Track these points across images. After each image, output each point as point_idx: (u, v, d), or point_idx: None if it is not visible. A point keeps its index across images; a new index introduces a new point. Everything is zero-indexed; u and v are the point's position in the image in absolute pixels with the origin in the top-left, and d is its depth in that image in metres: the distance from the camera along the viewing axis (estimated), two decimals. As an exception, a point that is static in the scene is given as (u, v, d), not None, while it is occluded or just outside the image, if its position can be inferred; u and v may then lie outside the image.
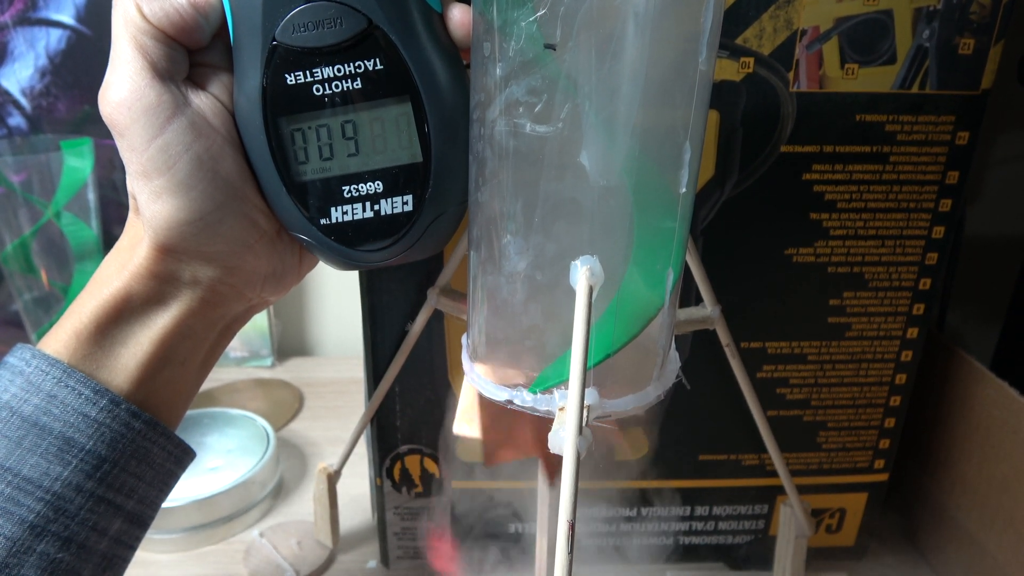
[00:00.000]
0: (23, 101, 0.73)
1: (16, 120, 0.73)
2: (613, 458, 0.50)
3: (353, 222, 0.30)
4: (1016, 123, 0.69)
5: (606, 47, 0.24)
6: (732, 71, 0.40)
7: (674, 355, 0.30)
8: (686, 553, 0.54)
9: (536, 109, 0.25)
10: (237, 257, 0.30)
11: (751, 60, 0.40)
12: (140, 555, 0.35)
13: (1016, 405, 0.46)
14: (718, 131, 0.41)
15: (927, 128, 0.42)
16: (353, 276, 0.44)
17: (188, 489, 0.55)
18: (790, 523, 0.47)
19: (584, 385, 0.25)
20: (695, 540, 0.53)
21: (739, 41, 0.39)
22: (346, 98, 0.29)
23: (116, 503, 0.30)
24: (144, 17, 0.27)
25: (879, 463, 0.51)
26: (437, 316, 0.44)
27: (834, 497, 0.52)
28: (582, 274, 0.25)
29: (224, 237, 0.30)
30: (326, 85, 0.28)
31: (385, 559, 0.54)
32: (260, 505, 0.59)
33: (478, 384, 0.30)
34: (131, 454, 0.30)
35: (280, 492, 0.62)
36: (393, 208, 0.30)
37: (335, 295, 0.85)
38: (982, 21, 0.39)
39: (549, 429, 0.25)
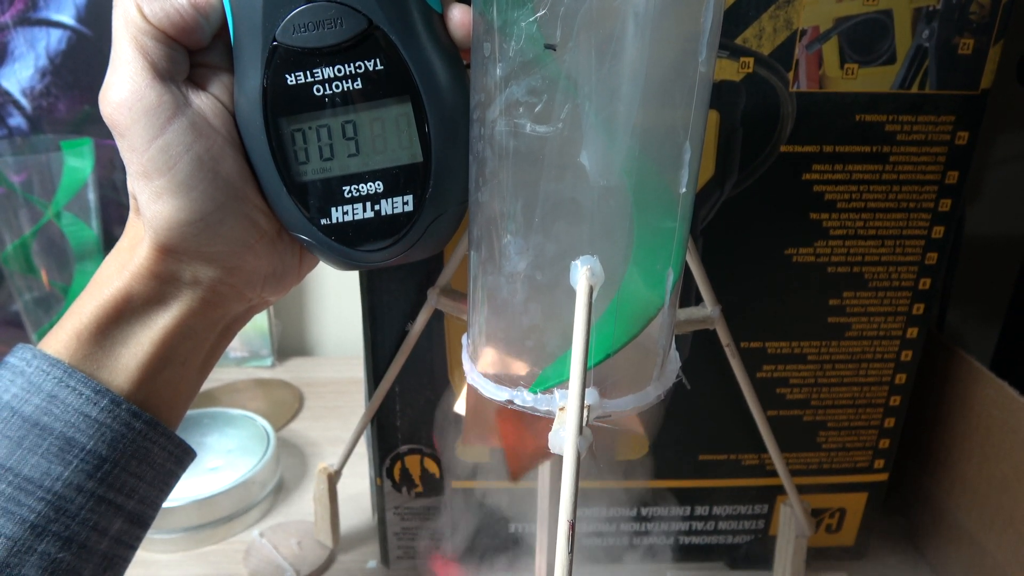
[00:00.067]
0: (23, 101, 0.73)
1: (16, 120, 0.73)
2: (613, 458, 0.50)
3: (353, 222, 0.30)
4: (1016, 123, 0.69)
5: (606, 47, 0.24)
6: (732, 71, 0.40)
7: (674, 355, 0.30)
8: (686, 553, 0.54)
9: (536, 109, 0.25)
10: (237, 257, 0.30)
11: (751, 60, 0.40)
12: (140, 555, 0.35)
13: (1016, 405, 0.46)
14: (718, 131, 0.41)
15: (927, 128, 0.42)
16: (353, 276, 0.44)
17: (188, 489, 0.55)
18: (790, 523, 0.47)
19: (584, 385, 0.25)
20: (695, 540, 0.53)
21: (739, 41, 0.39)
22: (346, 98, 0.29)
23: (117, 503, 0.30)
24: (145, 17, 0.27)
25: (879, 463, 0.51)
26: (437, 316, 0.44)
27: (834, 497, 0.52)
28: (582, 274, 0.25)
29: (224, 237, 0.30)
30: (326, 85, 0.28)
31: (385, 559, 0.54)
32: (260, 505, 0.59)
33: (478, 384, 0.30)
34: (132, 454, 0.30)
35: (280, 492, 0.62)
36: (393, 208, 0.30)
37: (335, 295, 0.85)
38: (982, 21, 0.39)
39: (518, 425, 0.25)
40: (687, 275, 0.39)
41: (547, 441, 0.25)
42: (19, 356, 0.29)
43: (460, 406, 0.46)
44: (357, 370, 0.69)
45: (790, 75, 0.40)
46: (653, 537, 0.53)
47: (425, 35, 0.29)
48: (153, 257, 0.29)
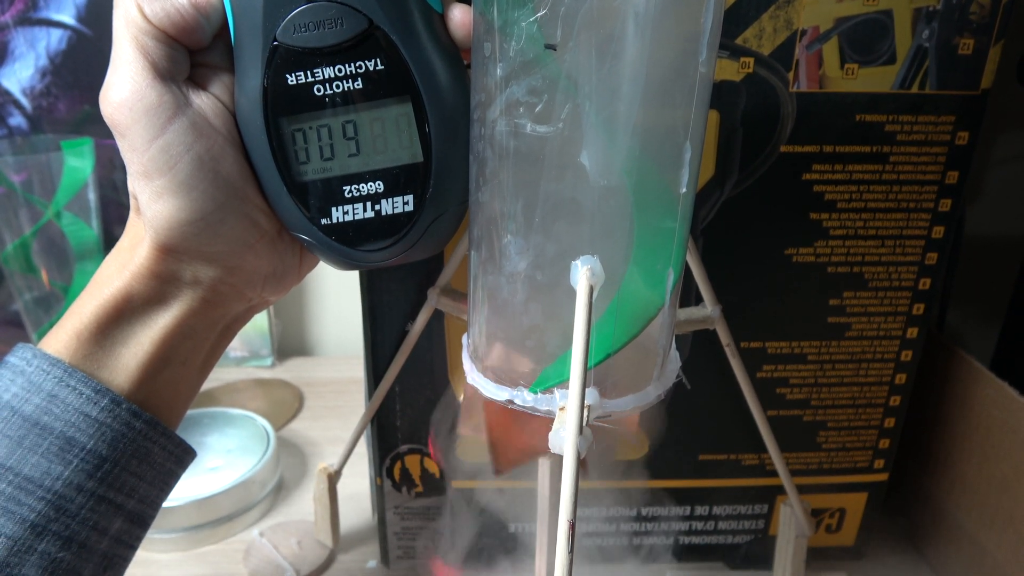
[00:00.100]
0: (24, 101, 0.73)
1: (17, 120, 0.73)
2: (613, 458, 0.50)
3: (354, 222, 0.30)
4: (1016, 123, 0.69)
5: (606, 47, 0.24)
6: (732, 71, 0.40)
7: (674, 355, 0.30)
8: (686, 553, 0.54)
9: (536, 109, 0.25)
10: (238, 257, 0.30)
11: (751, 60, 0.40)
12: (140, 554, 0.35)
13: (1016, 405, 0.46)
14: (718, 131, 0.41)
15: (927, 128, 0.42)
16: (353, 276, 0.44)
17: (188, 489, 0.55)
18: (790, 523, 0.48)
19: (584, 385, 0.25)
20: (695, 540, 0.53)
21: (739, 41, 0.39)
22: (347, 98, 0.29)
23: (117, 502, 0.30)
24: (145, 17, 0.27)
25: (879, 463, 0.51)
26: (437, 316, 0.44)
27: (834, 497, 0.52)
28: (582, 274, 0.25)
29: (225, 237, 0.30)
30: (327, 85, 0.28)
31: (385, 559, 0.54)
32: (260, 505, 0.59)
33: (479, 384, 0.30)
34: (132, 454, 0.30)
35: (280, 492, 0.62)
36: (394, 208, 0.30)
37: (335, 295, 0.85)
38: (982, 21, 0.39)
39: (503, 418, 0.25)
40: (687, 275, 0.39)
41: (536, 439, 0.25)
42: (19, 355, 0.29)
43: (464, 426, 0.46)
44: (357, 370, 0.69)
45: (790, 75, 0.40)
46: (653, 537, 0.53)
47: (425, 35, 0.29)
48: (153, 257, 0.29)
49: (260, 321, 0.80)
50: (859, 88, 0.41)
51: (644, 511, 0.52)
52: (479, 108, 0.27)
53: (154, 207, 0.28)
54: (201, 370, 0.33)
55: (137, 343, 0.30)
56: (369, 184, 0.30)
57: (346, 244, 0.31)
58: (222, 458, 0.59)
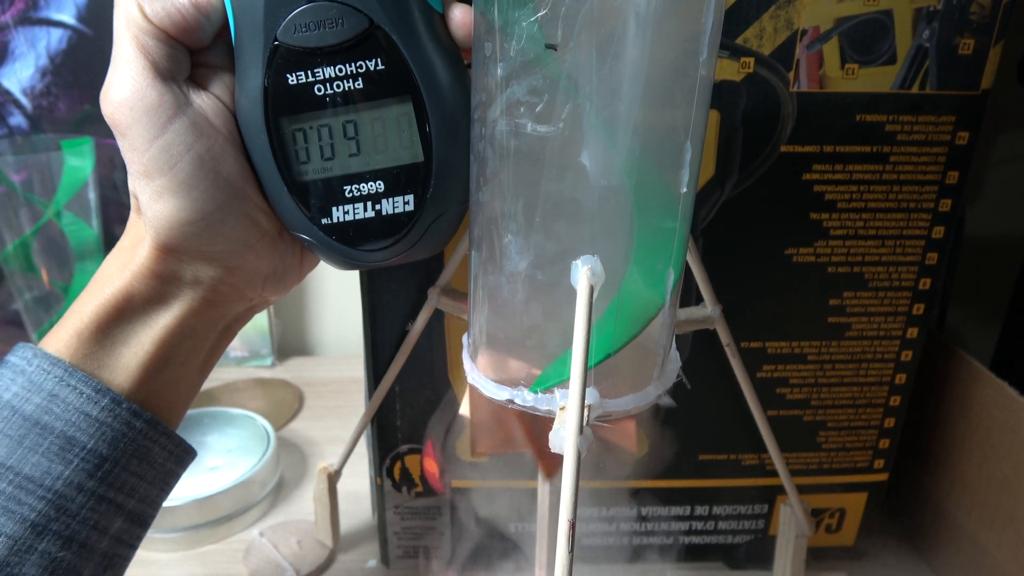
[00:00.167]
0: (24, 100, 0.73)
1: (17, 119, 0.73)
2: (613, 458, 0.50)
3: (354, 222, 0.30)
4: (1016, 123, 0.69)
5: (607, 47, 0.24)
6: (732, 71, 0.40)
7: (674, 355, 0.30)
8: (686, 553, 0.54)
9: (537, 109, 0.25)
10: (238, 257, 0.30)
11: (751, 60, 0.40)
12: (140, 554, 0.35)
13: (1016, 405, 0.46)
14: (718, 131, 0.41)
15: (927, 128, 0.42)
16: (353, 276, 0.44)
17: (188, 488, 0.55)
18: (790, 523, 0.48)
19: (585, 384, 0.25)
20: (695, 540, 0.53)
21: (739, 41, 0.39)
22: (347, 98, 0.29)
23: (117, 502, 0.30)
24: (146, 17, 0.27)
25: (879, 463, 0.51)
26: (437, 316, 0.44)
27: (834, 497, 0.52)
28: (583, 274, 0.25)
29: (225, 237, 0.30)
30: (327, 85, 0.28)
31: (385, 558, 0.54)
32: (260, 504, 0.59)
33: (479, 383, 0.30)
34: (132, 453, 0.30)
35: (280, 492, 0.62)
36: (394, 208, 0.30)
37: (335, 295, 0.85)
38: (982, 21, 0.39)
39: (541, 425, 0.25)
40: (687, 275, 0.39)
41: (515, 431, 0.25)
42: (20, 355, 0.29)
43: (465, 408, 0.46)
44: (357, 370, 0.69)
45: (791, 75, 0.40)
46: (653, 537, 0.53)
47: (426, 35, 0.29)
48: (154, 256, 0.29)
49: (260, 321, 0.80)
50: (859, 88, 0.41)
51: (644, 511, 0.52)
52: (480, 108, 0.27)
53: (155, 207, 0.28)
54: (201, 370, 0.33)
55: (137, 343, 0.30)
56: (370, 184, 0.30)
57: (346, 244, 0.31)
58: (222, 458, 0.59)
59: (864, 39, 0.40)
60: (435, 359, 0.46)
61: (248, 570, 0.53)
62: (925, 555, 0.55)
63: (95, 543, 0.29)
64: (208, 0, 0.28)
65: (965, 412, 0.50)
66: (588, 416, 0.26)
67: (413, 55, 0.28)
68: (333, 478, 0.51)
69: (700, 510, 0.52)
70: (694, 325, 0.41)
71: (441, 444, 0.49)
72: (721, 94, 0.40)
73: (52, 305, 0.68)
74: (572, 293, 0.26)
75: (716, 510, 0.52)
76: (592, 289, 0.25)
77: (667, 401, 0.48)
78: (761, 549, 0.53)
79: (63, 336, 0.29)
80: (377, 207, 0.30)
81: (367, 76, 0.28)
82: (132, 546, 0.32)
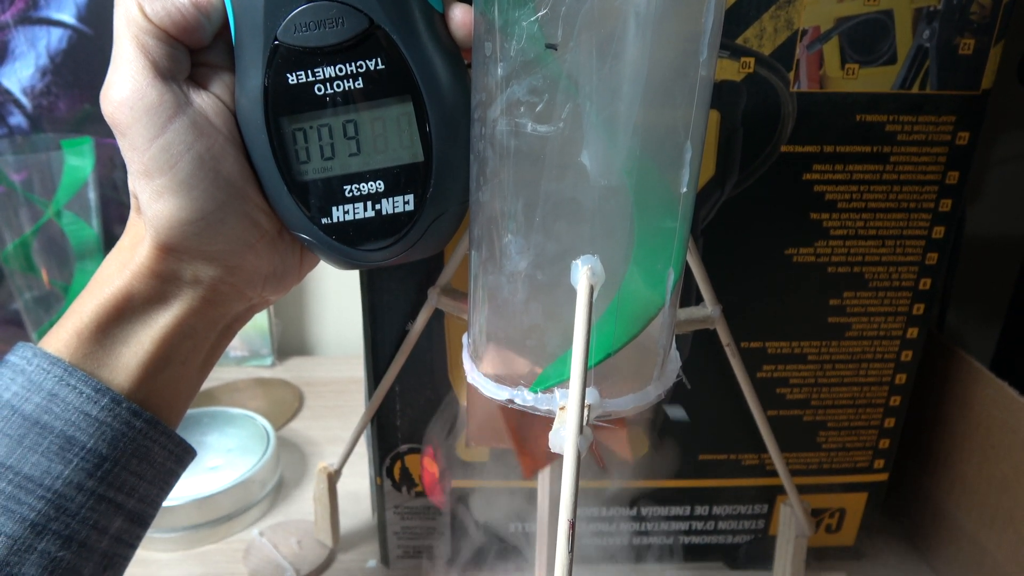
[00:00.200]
0: (24, 100, 0.73)
1: (17, 119, 0.73)
2: (613, 458, 0.50)
3: (354, 221, 0.30)
4: (1016, 123, 0.69)
5: (607, 47, 0.24)
6: (733, 71, 0.40)
7: (674, 355, 0.30)
8: (686, 553, 0.54)
9: (537, 109, 0.25)
10: (238, 256, 0.30)
11: (752, 60, 0.40)
12: (140, 554, 0.35)
13: (1016, 405, 0.46)
14: (719, 131, 0.41)
15: (927, 128, 0.42)
16: (353, 275, 0.44)
17: (188, 488, 0.55)
18: (790, 523, 0.48)
19: (585, 384, 0.25)
20: (695, 540, 0.53)
21: (740, 41, 0.39)
22: (347, 98, 0.29)
23: (117, 502, 0.30)
24: (146, 16, 0.27)
25: (879, 463, 0.51)
26: (437, 316, 0.44)
27: (834, 497, 0.52)
28: (583, 274, 0.25)
29: (225, 236, 0.30)
30: (328, 85, 0.28)
31: (385, 558, 0.54)
32: (260, 504, 0.59)
33: (479, 383, 0.30)
34: (132, 453, 0.30)
35: (280, 491, 0.62)
36: (394, 207, 0.30)
37: (335, 294, 0.85)
38: (982, 21, 0.39)
39: (525, 423, 0.25)
40: (687, 275, 0.39)
41: (511, 424, 0.25)
42: (20, 354, 0.29)
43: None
44: (357, 370, 0.69)
45: (791, 75, 0.40)
46: (653, 537, 0.53)
47: (426, 34, 0.29)
48: (154, 256, 0.29)
49: (260, 321, 0.80)
50: (860, 88, 0.41)
51: (644, 511, 0.52)
52: (480, 108, 0.27)
53: (155, 206, 0.28)
54: (201, 369, 0.33)
55: (137, 342, 0.30)
56: (370, 183, 0.30)
57: (346, 243, 0.31)
58: (222, 457, 0.59)
59: (864, 39, 0.40)
60: (435, 359, 0.46)
61: (248, 570, 0.53)
62: (925, 555, 0.55)
63: (95, 543, 0.29)
64: (208, 0, 0.28)
65: (965, 412, 0.50)
66: (588, 416, 0.26)
67: (413, 55, 0.28)
68: (333, 478, 0.51)
69: (700, 510, 0.52)
70: (694, 325, 0.41)
71: (442, 446, 0.49)
72: (721, 94, 0.40)
73: (52, 305, 0.68)
74: (572, 293, 0.26)
75: (716, 510, 0.52)
76: (592, 289, 0.25)
77: (679, 414, 0.48)
78: (761, 549, 0.53)
79: (63, 336, 0.29)
80: (377, 207, 0.30)
81: (367, 76, 0.28)
82: (132, 546, 0.32)
